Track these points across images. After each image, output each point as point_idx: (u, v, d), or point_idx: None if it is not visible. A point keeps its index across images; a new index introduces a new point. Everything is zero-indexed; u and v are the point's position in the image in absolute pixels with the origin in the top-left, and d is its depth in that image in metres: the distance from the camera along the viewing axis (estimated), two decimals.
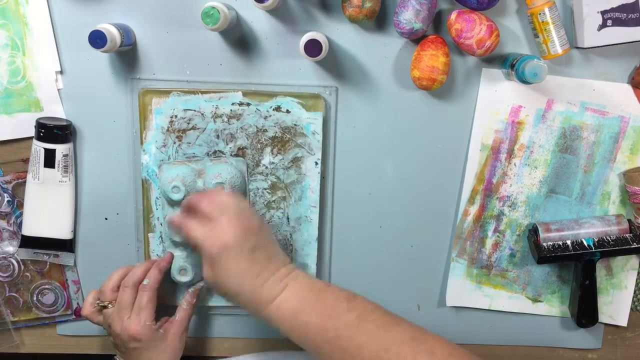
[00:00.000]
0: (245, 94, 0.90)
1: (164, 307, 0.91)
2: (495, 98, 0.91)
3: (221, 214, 0.75)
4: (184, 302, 0.90)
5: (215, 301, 0.96)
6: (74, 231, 0.94)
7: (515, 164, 0.93)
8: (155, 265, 0.88)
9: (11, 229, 0.95)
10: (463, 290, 0.97)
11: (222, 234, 0.73)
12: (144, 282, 0.86)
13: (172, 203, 0.90)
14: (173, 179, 0.88)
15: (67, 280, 0.97)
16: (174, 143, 0.91)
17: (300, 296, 0.73)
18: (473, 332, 0.98)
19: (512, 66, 0.85)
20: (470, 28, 0.83)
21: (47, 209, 0.92)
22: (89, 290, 0.97)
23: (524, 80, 0.84)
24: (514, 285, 0.97)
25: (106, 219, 0.95)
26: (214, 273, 0.74)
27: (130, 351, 0.86)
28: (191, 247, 0.80)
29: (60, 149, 0.89)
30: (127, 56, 0.90)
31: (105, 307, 0.87)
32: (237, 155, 0.92)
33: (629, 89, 0.91)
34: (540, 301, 0.97)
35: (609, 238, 0.91)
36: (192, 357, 1.00)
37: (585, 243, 0.91)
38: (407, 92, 0.91)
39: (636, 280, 0.96)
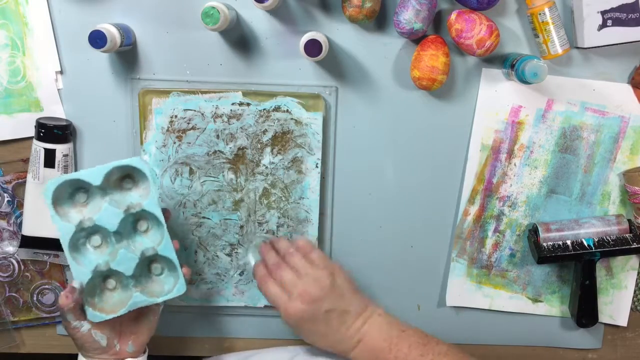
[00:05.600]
0: (245, 94, 0.90)
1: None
2: (495, 98, 0.91)
3: (293, 287, 0.81)
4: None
5: (220, 301, 0.96)
6: None
7: (515, 164, 0.93)
8: None
9: (11, 229, 0.95)
10: (463, 290, 0.97)
11: (295, 309, 0.80)
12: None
13: None
14: None
15: (67, 280, 0.97)
16: (174, 143, 0.91)
17: (374, 347, 0.80)
18: (473, 332, 0.98)
19: (512, 66, 0.85)
20: (470, 28, 0.83)
21: (47, 209, 0.92)
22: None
23: (524, 80, 0.84)
24: (514, 285, 0.97)
25: None
26: (298, 332, 0.83)
27: None
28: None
29: (60, 149, 0.89)
30: (127, 56, 0.90)
31: None
32: (237, 155, 0.92)
33: (629, 89, 0.91)
34: (540, 301, 0.97)
35: (609, 238, 0.91)
36: (192, 357, 1.00)
37: (585, 243, 0.91)
38: (407, 92, 0.91)
39: (636, 280, 0.96)
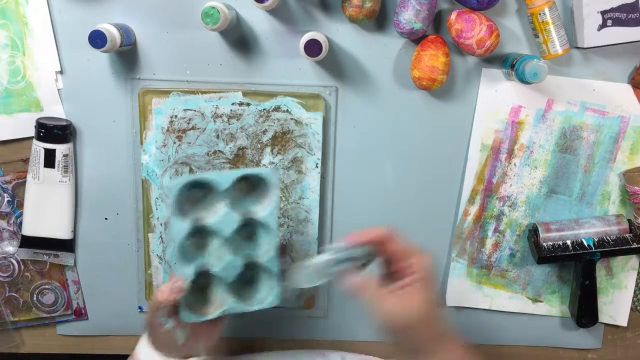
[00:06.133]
0: (245, 94, 0.90)
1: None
2: (495, 98, 0.91)
3: (418, 290, 0.71)
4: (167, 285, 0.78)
5: None
6: (74, 231, 0.94)
7: (515, 164, 0.93)
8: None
9: (11, 229, 0.95)
10: (463, 290, 0.96)
11: (413, 310, 0.70)
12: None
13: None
14: None
15: (67, 280, 0.97)
16: (174, 143, 0.91)
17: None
18: (473, 332, 0.98)
19: (512, 66, 0.85)
20: (470, 28, 0.83)
21: (47, 209, 0.92)
22: (89, 290, 0.97)
23: (524, 80, 0.84)
24: (514, 285, 0.97)
25: (106, 219, 0.95)
26: (393, 337, 0.72)
27: None
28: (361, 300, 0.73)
29: (60, 149, 0.89)
30: (127, 56, 0.90)
31: None
32: (237, 155, 0.92)
33: (629, 89, 0.91)
34: (540, 301, 0.97)
35: (609, 238, 0.91)
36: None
37: (585, 243, 0.91)
38: (407, 92, 0.91)
39: (636, 280, 0.96)
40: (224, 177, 0.78)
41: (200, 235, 0.80)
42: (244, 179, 0.80)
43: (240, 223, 0.79)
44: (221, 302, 0.80)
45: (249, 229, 0.81)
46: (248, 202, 0.81)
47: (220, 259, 0.80)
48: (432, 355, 0.71)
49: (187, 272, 0.78)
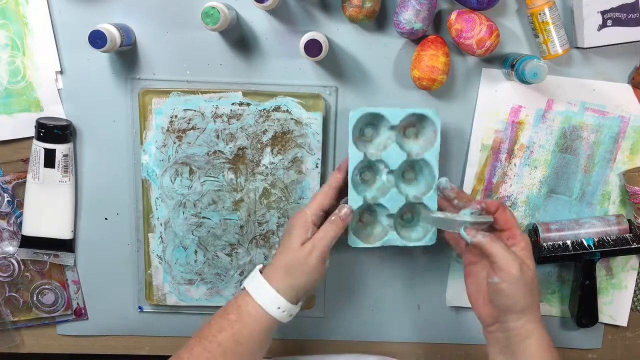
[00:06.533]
0: (245, 94, 0.90)
1: None
2: (495, 98, 0.91)
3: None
4: (334, 215, 0.83)
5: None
6: (74, 231, 0.94)
7: (515, 164, 0.93)
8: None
9: (11, 229, 0.95)
10: (463, 290, 0.96)
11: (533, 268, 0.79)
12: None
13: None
14: None
15: (67, 280, 0.97)
16: (174, 143, 0.91)
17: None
18: (473, 332, 0.98)
19: (512, 66, 0.85)
20: (470, 28, 0.83)
21: (47, 209, 0.92)
22: (89, 291, 0.97)
23: (524, 80, 0.84)
24: None
25: (106, 219, 0.95)
26: (533, 291, 0.79)
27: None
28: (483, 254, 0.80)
29: (60, 149, 0.89)
30: (127, 56, 0.90)
31: None
32: (237, 155, 0.92)
33: (629, 89, 0.91)
34: (540, 301, 0.97)
35: (609, 238, 0.91)
36: None
37: (585, 243, 0.91)
38: (407, 92, 0.91)
39: (636, 280, 0.97)
40: (395, 113, 0.85)
41: (367, 170, 0.88)
42: (409, 125, 0.87)
43: (405, 160, 0.86)
44: (379, 234, 0.88)
45: (409, 172, 0.89)
46: (411, 145, 0.88)
47: (385, 193, 0.86)
48: (534, 319, 0.78)
49: (357, 199, 0.85)
